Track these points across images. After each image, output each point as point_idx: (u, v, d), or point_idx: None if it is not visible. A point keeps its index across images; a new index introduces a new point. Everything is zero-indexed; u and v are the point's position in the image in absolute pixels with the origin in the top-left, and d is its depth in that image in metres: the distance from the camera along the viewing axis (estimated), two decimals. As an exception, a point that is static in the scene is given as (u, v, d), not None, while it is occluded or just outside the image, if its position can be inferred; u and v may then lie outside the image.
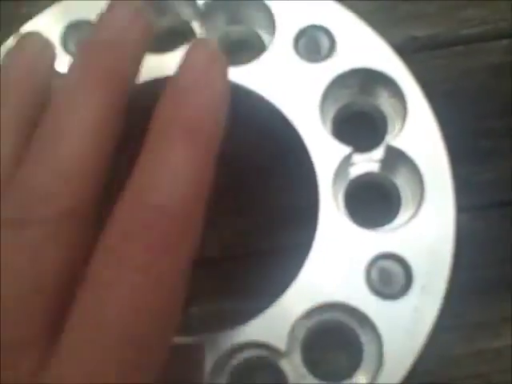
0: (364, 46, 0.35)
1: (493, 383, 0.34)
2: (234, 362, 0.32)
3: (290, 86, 0.34)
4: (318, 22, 0.35)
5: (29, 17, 0.39)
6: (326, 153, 0.33)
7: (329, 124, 0.36)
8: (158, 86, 0.35)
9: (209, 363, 0.31)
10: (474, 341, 0.35)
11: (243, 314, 0.34)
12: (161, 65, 0.36)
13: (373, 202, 0.35)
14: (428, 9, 0.40)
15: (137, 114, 0.37)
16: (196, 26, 0.37)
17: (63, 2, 0.36)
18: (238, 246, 0.36)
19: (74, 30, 0.36)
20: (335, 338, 0.33)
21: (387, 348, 0.30)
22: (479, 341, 0.35)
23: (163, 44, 0.38)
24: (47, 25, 0.36)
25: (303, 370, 0.32)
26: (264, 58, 0.35)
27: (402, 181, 0.35)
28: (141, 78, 0.35)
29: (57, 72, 0.32)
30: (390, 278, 0.32)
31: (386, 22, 0.39)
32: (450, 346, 0.34)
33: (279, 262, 0.35)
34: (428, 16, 0.40)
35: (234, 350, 0.31)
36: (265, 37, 0.37)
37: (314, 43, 0.35)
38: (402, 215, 0.34)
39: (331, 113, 0.36)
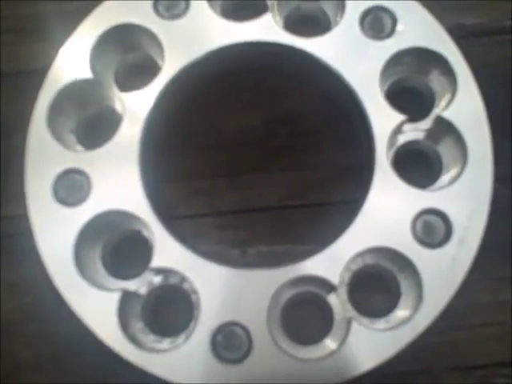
0: (421, 28, 0.39)
1: (507, 330, 0.39)
2: (290, 294, 0.37)
3: (354, 58, 0.39)
4: (382, 4, 0.40)
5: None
6: (383, 119, 0.38)
7: (382, 94, 0.40)
8: (236, 50, 0.41)
9: (268, 295, 0.36)
10: (496, 292, 0.40)
11: (295, 255, 0.39)
12: (237, 32, 0.40)
13: (416, 166, 0.40)
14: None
15: (215, 75, 0.42)
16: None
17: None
18: (295, 197, 0.41)
19: None
20: (375, 281, 0.39)
21: (426, 288, 0.36)
22: (500, 293, 0.40)
23: (238, 12, 0.42)
24: None
25: (348, 306, 0.37)
26: (334, 32, 0.39)
27: (444, 148, 0.40)
28: (220, 43, 0.40)
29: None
30: (433, 229, 0.37)
31: (437, 8, 0.43)
32: (476, 295, 0.39)
33: (333, 214, 0.40)
34: (475, 6, 0.45)
35: (293, 282, 0.36)
36: (331, 14, 0.42)
37: (378, 22, 0.39)
38: (442, 179, 0.39)
39: (385, 85, 0.40)
